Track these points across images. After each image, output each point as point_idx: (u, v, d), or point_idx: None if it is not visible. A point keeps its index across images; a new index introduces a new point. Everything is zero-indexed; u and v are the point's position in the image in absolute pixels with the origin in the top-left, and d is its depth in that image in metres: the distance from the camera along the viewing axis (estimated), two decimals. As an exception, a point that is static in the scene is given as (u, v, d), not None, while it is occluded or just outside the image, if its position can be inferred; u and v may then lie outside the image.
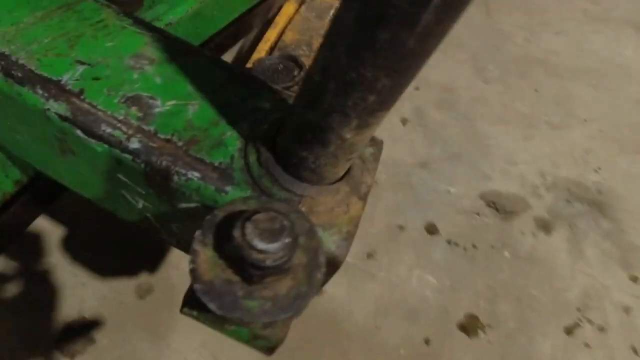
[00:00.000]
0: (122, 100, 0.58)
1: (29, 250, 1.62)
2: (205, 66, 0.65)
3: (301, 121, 0.46)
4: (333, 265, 0.54)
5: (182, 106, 0.59)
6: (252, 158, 0.55)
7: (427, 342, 1.44)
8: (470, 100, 2.29)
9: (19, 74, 0.58)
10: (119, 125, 0.56)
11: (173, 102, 0.59)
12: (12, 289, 1.50)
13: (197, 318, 0.54)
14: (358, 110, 0.41)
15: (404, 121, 2.15)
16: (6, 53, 0.59)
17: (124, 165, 0.57)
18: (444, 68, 2.48)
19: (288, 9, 2.23)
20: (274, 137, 0.55)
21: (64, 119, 0.57)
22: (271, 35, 2.08)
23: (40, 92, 0.57)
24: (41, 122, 0.59)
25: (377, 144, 0.65)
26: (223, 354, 1.38)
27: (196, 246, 0.39)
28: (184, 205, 0.58)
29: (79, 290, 1.50)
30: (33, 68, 0.59)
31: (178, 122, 0.58)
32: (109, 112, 0.57)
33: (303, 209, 0.52)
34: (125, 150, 0.55)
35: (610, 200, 1.89)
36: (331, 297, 1.50)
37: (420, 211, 1.78)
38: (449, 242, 1.68)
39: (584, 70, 2.54)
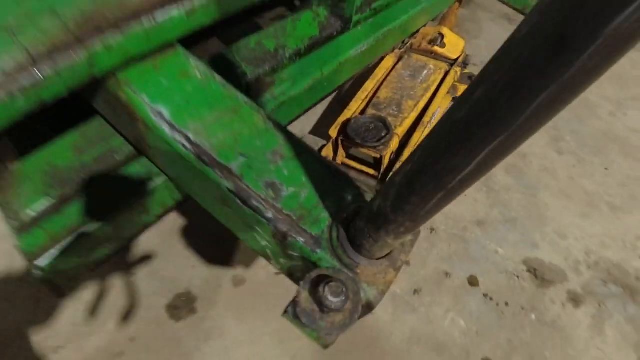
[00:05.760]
0: (264, 185, 0.98)
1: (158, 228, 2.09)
2: (314, 163, 1.03)
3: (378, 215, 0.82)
4: (369, 308, 0.90)
5: (298, 192, 0.98)
6: (334, 234, 0.92)
7: (448, 373, 1.73)
8: (539, 170, 2.41)
9: (206, 159, 0.99)
10: (261, 201, 0.96)
11: (292, 189, 0.98)
12: (135, 258, 1.99)
13: (291, 321, 0.92)
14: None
15: (472, 179, 2.40)
16: (198, 144, 1.00)
17: (261, 224, 0.97)
18: (521, 133, 2.66)
19: (387, 62, 2.51)
20: (350, 222, 0.92)
21: (230, 191, 0.98)
22: (369, 85, 2.36)
23: (219, 173, 0.98)
24: (214, 189, 1.00)
25: (416, 233, 1.00)
26: (290, 340, 1.75)
27: (301, 289, 0.78)
28: (290, 252, 0.97)
29: (189, 271, 1.95)
30: (214, 156, 0.99)
31: (294, 203, 0.96)
32: (257, 192, 0.97)
33: (358, 271, 0.89)
34: (263, 217, 0.95)
35: (648, 288, 1.96)
36: (377, 317, 1.82)
37: (467, 264, 2.00)
38: (485, 295, 1.90)
39: (662, 155, 2.50)
